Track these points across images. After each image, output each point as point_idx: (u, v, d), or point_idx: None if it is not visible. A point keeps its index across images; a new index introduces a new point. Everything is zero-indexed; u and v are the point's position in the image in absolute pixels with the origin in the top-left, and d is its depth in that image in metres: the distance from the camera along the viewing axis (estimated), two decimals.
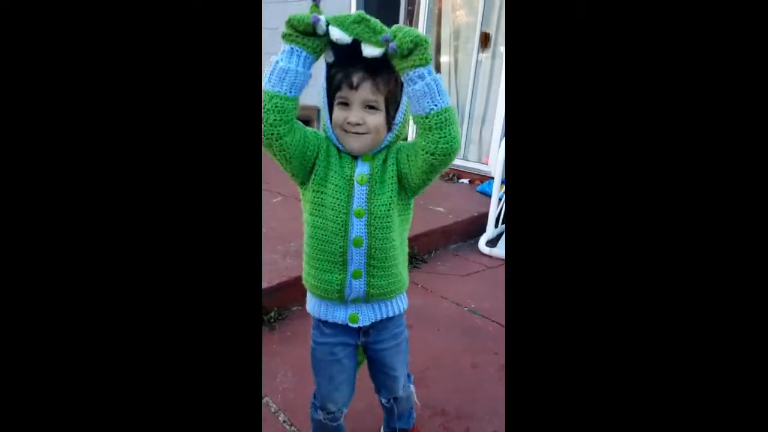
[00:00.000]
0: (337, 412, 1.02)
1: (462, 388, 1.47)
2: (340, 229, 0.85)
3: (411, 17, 4.01)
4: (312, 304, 0.96)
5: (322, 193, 0.85)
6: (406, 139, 0.93)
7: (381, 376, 1.04)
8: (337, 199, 0.85)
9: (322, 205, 0.86)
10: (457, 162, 3.66)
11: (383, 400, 1.12)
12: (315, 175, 0.85)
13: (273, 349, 1.59)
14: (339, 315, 0.93)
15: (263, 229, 2.28)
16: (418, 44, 0.74)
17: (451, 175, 3.63)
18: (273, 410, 1.32)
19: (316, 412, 1.05)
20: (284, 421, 1.28)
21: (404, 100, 0.85)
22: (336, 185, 0.85)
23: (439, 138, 0.78)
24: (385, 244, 0.88)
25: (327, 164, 0.85)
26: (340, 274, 0.88)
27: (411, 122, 0.85)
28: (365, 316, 0.93)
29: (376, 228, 0.86)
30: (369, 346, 1.00)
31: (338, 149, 0.87)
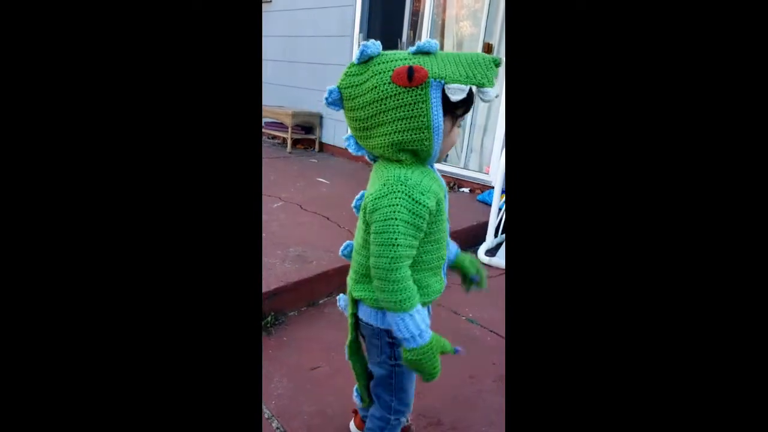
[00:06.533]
0: None
1: (459, 398, 1.45)
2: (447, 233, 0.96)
3: (414, 28, 4.04)
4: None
5: (441, 203, 0.91)
6: None
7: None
8: (443, 206, 0.92)
9: (441, 213, 0.91)
10: (458, 171, 3.66)
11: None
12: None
13: (269, 354, 1.57)
14: (426, 318, 0.94)
15: (263, 234, 2.27)
16: None
17: (451, 184, 3.63)
18: (267, 416, 1.30)
19: (402, 419, 1.08)
20: (277, 428, 1.26)
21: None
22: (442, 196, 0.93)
23: None
24: None
25: (437, 182, 0.92)
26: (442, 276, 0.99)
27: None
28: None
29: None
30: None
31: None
